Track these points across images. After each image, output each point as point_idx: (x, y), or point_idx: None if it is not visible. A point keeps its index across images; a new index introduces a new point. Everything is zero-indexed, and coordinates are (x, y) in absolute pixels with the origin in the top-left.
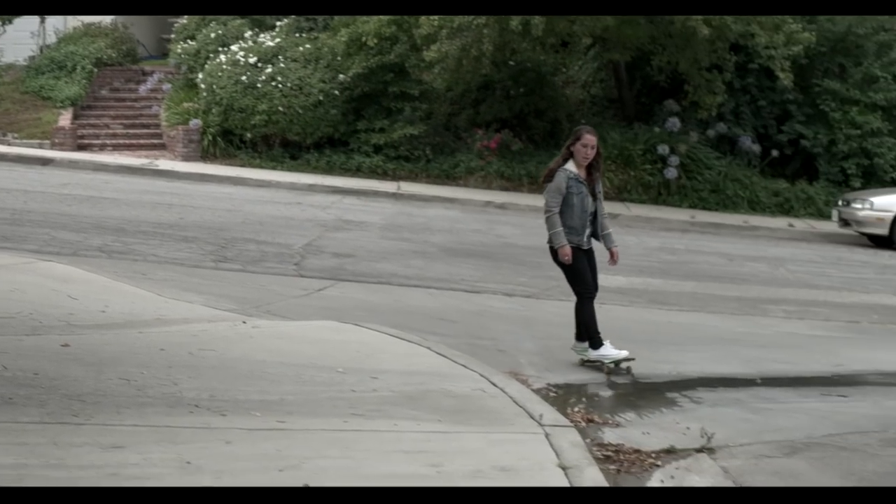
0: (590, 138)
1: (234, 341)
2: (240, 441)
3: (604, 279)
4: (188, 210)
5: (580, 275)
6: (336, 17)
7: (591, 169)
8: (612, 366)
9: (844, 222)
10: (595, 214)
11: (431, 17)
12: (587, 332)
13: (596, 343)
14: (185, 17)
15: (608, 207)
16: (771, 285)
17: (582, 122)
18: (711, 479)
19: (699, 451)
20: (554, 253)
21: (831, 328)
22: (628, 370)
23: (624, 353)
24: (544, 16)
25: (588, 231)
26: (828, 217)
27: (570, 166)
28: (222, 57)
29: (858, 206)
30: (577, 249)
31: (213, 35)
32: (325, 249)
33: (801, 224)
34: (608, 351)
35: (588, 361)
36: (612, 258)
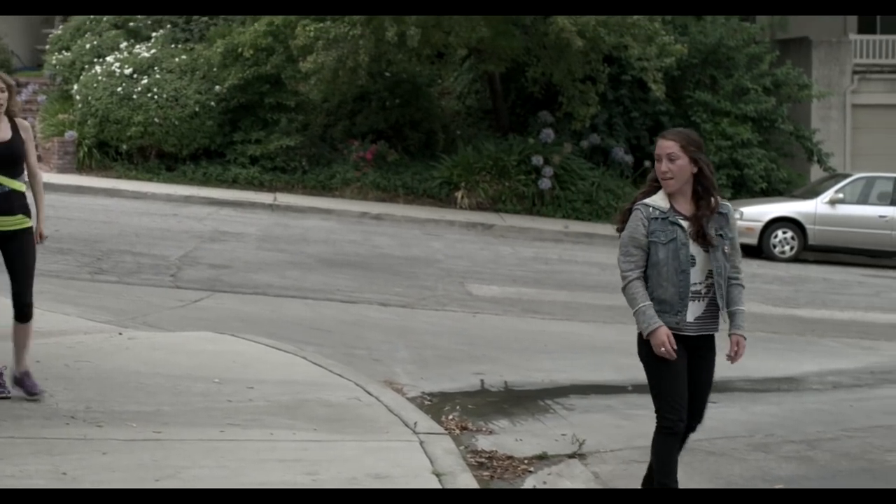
0: (662, 145)
1: (111, 353)
2: (116, 452)
3: (477, 289)
4: (63, 222)
5: (664, 384)
6: (212, 29)
7: (697, 199)
8: None
9: None
10: (714, 274)
11: (307, 28)
12: (656, 477)
13: None
14: (60, 27)
15: (479, 218)
16: None
17: (457, 132)
18: (582, 484)
19: (571, 456)
20: (641, 344)
21: None
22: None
23: None
24: (420, 26)
25: (698, 305)
26: None
27: (656, 198)
28: (98, 68)
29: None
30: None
31: (88, 46)
32: (202, 261)
33: None
34: None
35: None
36: (732, 350)
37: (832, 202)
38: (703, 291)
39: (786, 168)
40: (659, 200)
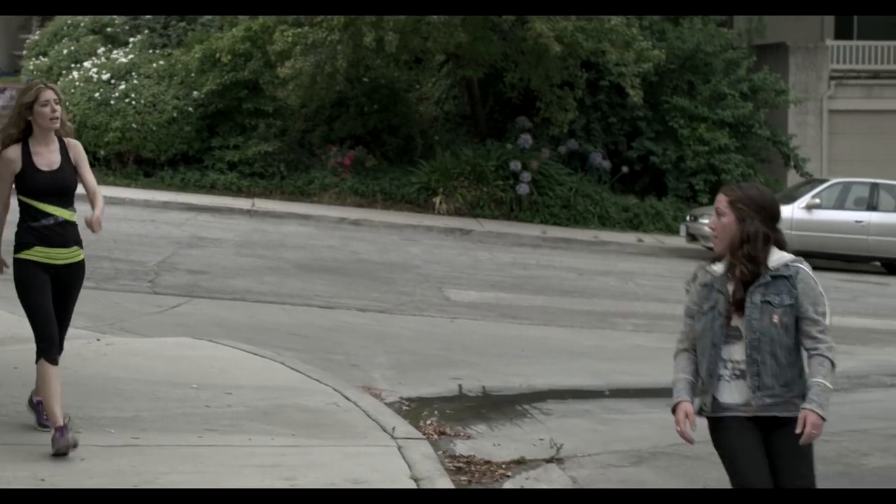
0: (717, 198)
1: (89, 359)
2: (94, 458)
3: (455, 294)
4: None
5: (731, 471)
6: (190, 34)
7: (752, 264)
8: None
9: (692, 237)
10: (758, 348)
11: (285, 34)
12: None
13: None
14: (38, 33)
15: (458, 223)
16: (620, 299)
17: (435, 138)
18: (560, 488)
19: (549, 461)
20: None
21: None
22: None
23: None
24: (399, 32)
25: (742, 384)
26: (676, 232)
27: (720, 262)
28: (75, 73)
29: (706, 221)
30: (713, 421)
31: (65, 51)
32: (180, 266)
33: (650, 239)
34: None
35: None
36: (800, 427)
37: (809, 207)
38: (749, 365)
39: (763, 173)
40: (720, 265)
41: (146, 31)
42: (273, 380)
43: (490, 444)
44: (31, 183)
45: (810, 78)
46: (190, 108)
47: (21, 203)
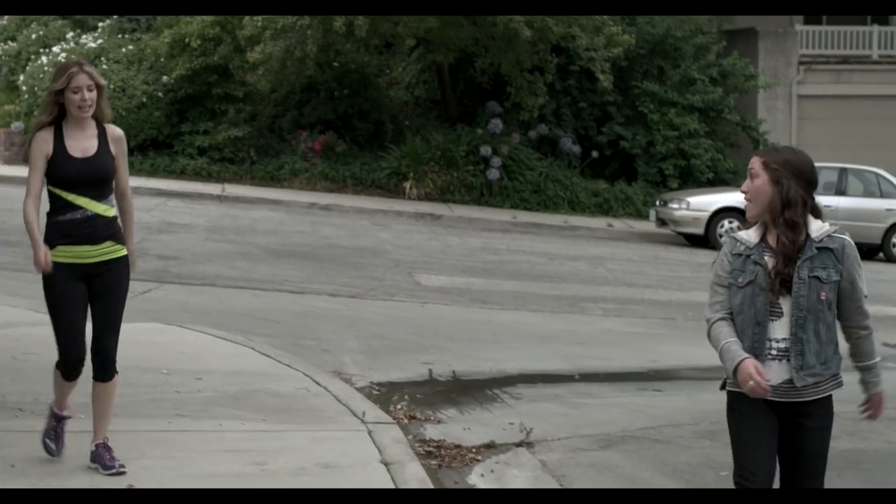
0: (753, 161)
1: None
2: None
3: (425, 279)
4: (11, 214)
5: (734, 448)
6: (159, 18)
7: (792, 232)
8: None
9: (662, 222)
10: (803, 326)
11: (255, 18)
12: None
13: None
14: (6, 18)
15: (428, 208)
16: (590, 284)
17: (406, 123)
18: (530, 472)
19: (518, 445)
20: (728, 402)
21: (648, 325)
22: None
23: None
24: (369, 16)
25: (785, 366)
26: (646, 217)
27: (751, 230)
28: (44, 58)
29: (675, 206)
30: (735, 397)
31: (34, 36)
32: (150, 252)
33: (619, 224)
34: None
35: None
36: (869, 408)
37: None
38: (794, 344)
39: (732, 158)
40: (752, 232)
41: (115, 16)
42: (243, 365)
43: (460, 428)
44: (61, 170)
45: (780, 63)
46: (159, 94)
47: (50, 194)
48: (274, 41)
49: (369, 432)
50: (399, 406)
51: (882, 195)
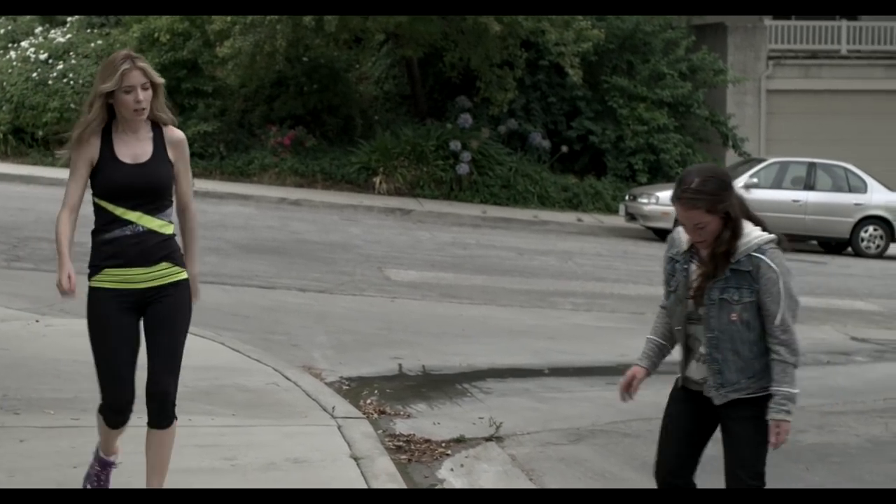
0: (685, 215)
1: (28, 340)
2: (34, 439)
3: (395, 274)
4: None
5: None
6: None
7: (723, 260)
8: None
9: (631, 217)
10: (717, 346)
11: None
12: None
13: None
14: None
15: (398, 203)
16: (560, 278)
17: (375, 118)
18: (500, 466)
19: (488, 439)
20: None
21: (617, 319)
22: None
23: None
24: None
25: (705, 369)
26: (615, 212)
27: (683, 232)
28: (12, 53)
29: (644, 200)
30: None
31: (2, 31)
32: None
33: (589, 219)
34: None
35: None
36: (772, 437)
37: (747, 187)
38: (710, 350)
39: (701, 153)
40: (685, 235)
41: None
42: (213, 360)
43: (430, 422)
44: (108, 177)
45: (748, 58)
46: None
47: (96, 209)
48: (243, 36)
49: (339, 427)
50: (369, 401)
51: (851, 190)
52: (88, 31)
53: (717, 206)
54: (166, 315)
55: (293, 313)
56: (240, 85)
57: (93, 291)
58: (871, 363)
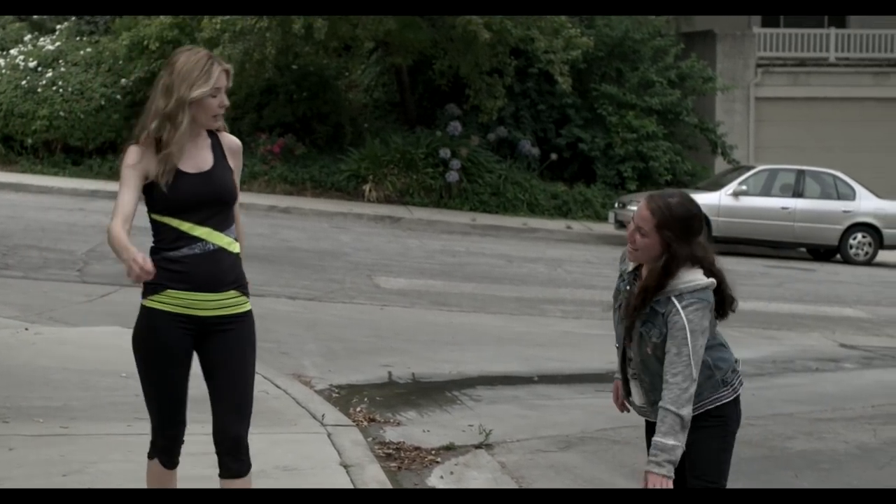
0: (640, 212)
1: (16, 348)
2: (23, 447)
3: (385, 281)
4: None
5: None
6: (118, 21)
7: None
8: None
9: (620, 224)
10: (645, 370)
11: (214, 20)
12: None
13: None
14: None
15: (387, 211)
16: (549, 286)
17: (365, 126)
18: (489, 473)
19: (478, 447)
20: None
21: (607, 327)
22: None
23: None
24: (328, 18)
25: (638, 385)
26: (604, 219)
27: None
28: (1, 61)
29: (634, 208)
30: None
31: None
32: (109, 255)
33: (578, 226)
34: None
35: None
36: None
37: (736, 194)
38: (641, 372)
39: (690, 160)
40: None
41: (73, 18)
42: None
43: (419, 430)
44: (171, 189)
45: (737, 65)
46: (118, 96)
47: (154, 224)
48: (233, 43)
49: (329, 435)
50: (359, 408)
51: (839, 197)
52: (78, 38)
53: (666, 228)
54: (234, 350)
55: (283, 321)
56: (229, 93)
57: (150, 312)
58: (859, 370)
